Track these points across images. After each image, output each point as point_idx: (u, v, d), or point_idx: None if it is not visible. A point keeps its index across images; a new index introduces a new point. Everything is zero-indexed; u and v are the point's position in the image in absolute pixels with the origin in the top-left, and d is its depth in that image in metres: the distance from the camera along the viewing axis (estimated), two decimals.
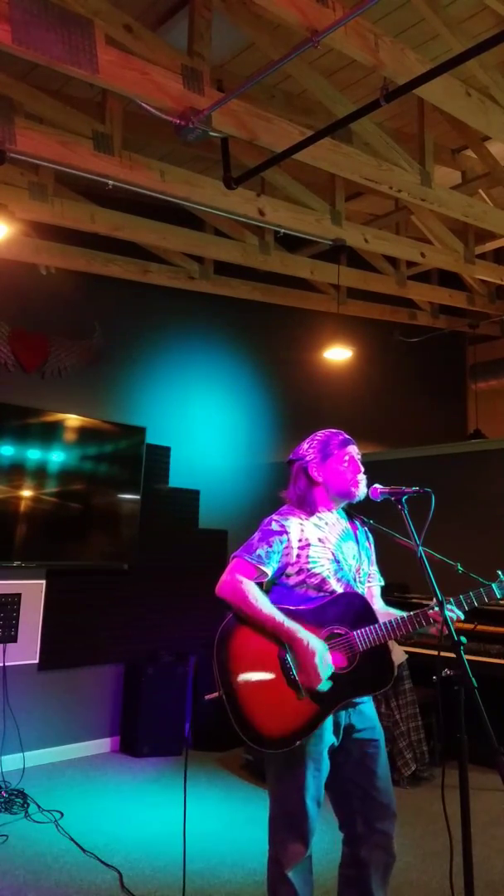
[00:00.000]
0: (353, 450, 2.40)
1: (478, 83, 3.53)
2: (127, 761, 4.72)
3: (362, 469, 2.39)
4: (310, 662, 2.14)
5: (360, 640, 2.18)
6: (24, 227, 4.39)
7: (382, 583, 2.51)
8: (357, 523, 2.47)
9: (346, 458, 2.36)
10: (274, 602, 2.27)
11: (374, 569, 2.49)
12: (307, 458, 2.38)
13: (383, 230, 5.15)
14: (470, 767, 1.92)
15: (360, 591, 2.34)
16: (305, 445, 2.42)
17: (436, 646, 2.08)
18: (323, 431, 2.44)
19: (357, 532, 2.45)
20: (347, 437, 2.42)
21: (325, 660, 2.16)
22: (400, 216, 5.48)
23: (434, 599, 2.12)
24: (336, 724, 2.23)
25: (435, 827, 3.64)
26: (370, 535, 2.51)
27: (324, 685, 2.14)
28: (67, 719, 4.78)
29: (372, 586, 2.45)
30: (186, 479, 5.56)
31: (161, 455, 5.44)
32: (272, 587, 2.35)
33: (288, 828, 2.18)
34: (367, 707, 2.31)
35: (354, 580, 2.34)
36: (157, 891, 3.04)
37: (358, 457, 2.40)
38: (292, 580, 2.29)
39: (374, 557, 2.50)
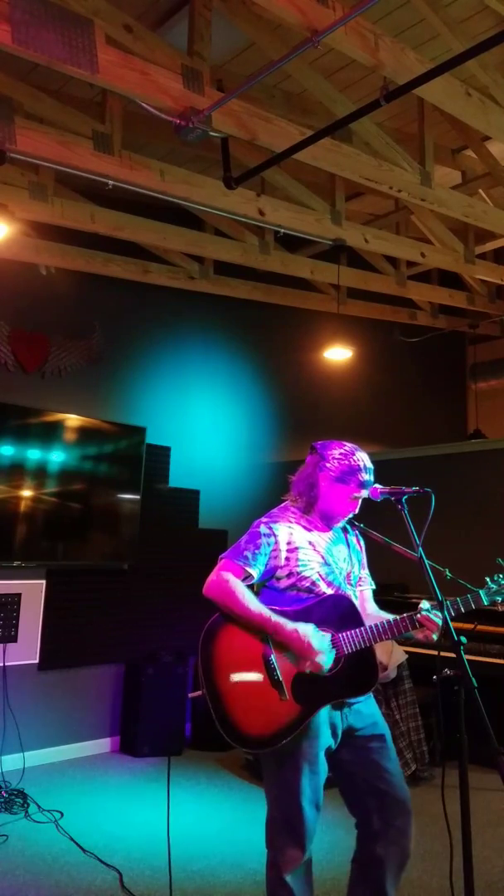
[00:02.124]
0: (363, 494, 2.32)
1: (478, 83, 3.53)
2: (127, 761, 4.71)
3: (355, 512, 2.36)
4: (307, 647, 2.13)
5: (344, 643, 2.17)
6: (24, 227, 4.39)
7: (374, 586, 2.50)
8: (348, 527, 2.47)
9: (353, 496, 2.31)
10: (264, 604, 2.27)
11: (366, 572, 2.49)
12: (327, 464, 2.32)
13: (383, 230, 5.15)
14: (470, 767, 1.92)
15: (351, 593, 2.34)
16: (336, 452, 2.33)
17: (436, 646, 2.08)
18: (359, 457, 2.32)
19: (348, 536, 2.45)
20: (369, 478, 2.31)
21: (320, 640, 2.14)
22: (400, 216, 5.48)
23: (421, 604, 2.13)
24: (333, 727, 2.22)
25: (435, 827, 3.63)
26: (361, 539, 2.51)
27: (328, 662, 2.13)
28: (67, 719, 4.78)
29: (364, 589, 2.45)
30: (186, 479, 5.56)
31: (161, 455, 5.43)
32: (262, 590, 2.34)
33: (285, 832, 2.16)
34: (365, 706, 2.30)
35: (345, 583, 2.34)
36: (157, 891, 3.03)
37: (360, 499, 2.33)
38: (283, 583, 2.28)
39: (364, 561, 2.49)
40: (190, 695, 2.30)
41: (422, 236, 5.33)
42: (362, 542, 2.51)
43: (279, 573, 2.28)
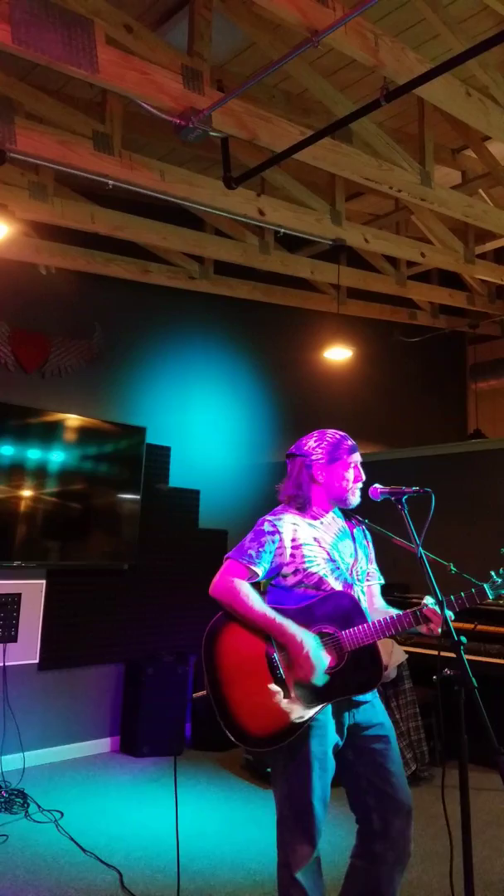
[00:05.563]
0: (358, 458, 2.40)
1: (478, 83, 3.53)
2: (127, 761, 4.71)
3: (363, 479, 2.40)
4: (303, 656, 2.12)
5: (347, 640, 2.17)
6: (24, 227, 4.39)
7: (382, 581, 2.49)
8: (353, 522, 2.47)
9: (352, 465, 2.37)
10: (271, 603, 2.27)
11: (374, 567, 2.48)
12: (312, 457, 2.36)
13: (383, 230, 5.15)
14: (470, 767, 1.92)
15: (358, 589, 2.33)
16: (312, 443, 2.39)
17: (436, 646, 2.08)
18: (332, 433, 2.41)
19: (354, 531, 2.44)
20: (354, 444, 2.42)
21: (318, 652, 2.14)
22: (400, 216, 5.48)
23: (424, 599, 2.12)
24: (339, 724, 2.22)
25: (435, 827, 3.64)
26: (368, 534, 2.51)
27: (319, 679, 2.12)
28: (67, 719, 4.78)
29: (371, 584, 2.44)
30: (186, 479, 5.56)
31: (161, 455, 5.43)
32: (269, 588, 2.34)
33: (295, 829, 2.16)
34: (373, 705, 2.30)
35: (352, 579, 2.33)
36: (157, 891, 3.03)
37: (360, 466, 2.41)
38: (289, 580, 2.28)
39: (372, 556, 2.49)
40: (193, 695, 2.31)
41: (422, 236, 5.34)
42: (369, 538, 2.51)
43: (285, 570, 2.28)
